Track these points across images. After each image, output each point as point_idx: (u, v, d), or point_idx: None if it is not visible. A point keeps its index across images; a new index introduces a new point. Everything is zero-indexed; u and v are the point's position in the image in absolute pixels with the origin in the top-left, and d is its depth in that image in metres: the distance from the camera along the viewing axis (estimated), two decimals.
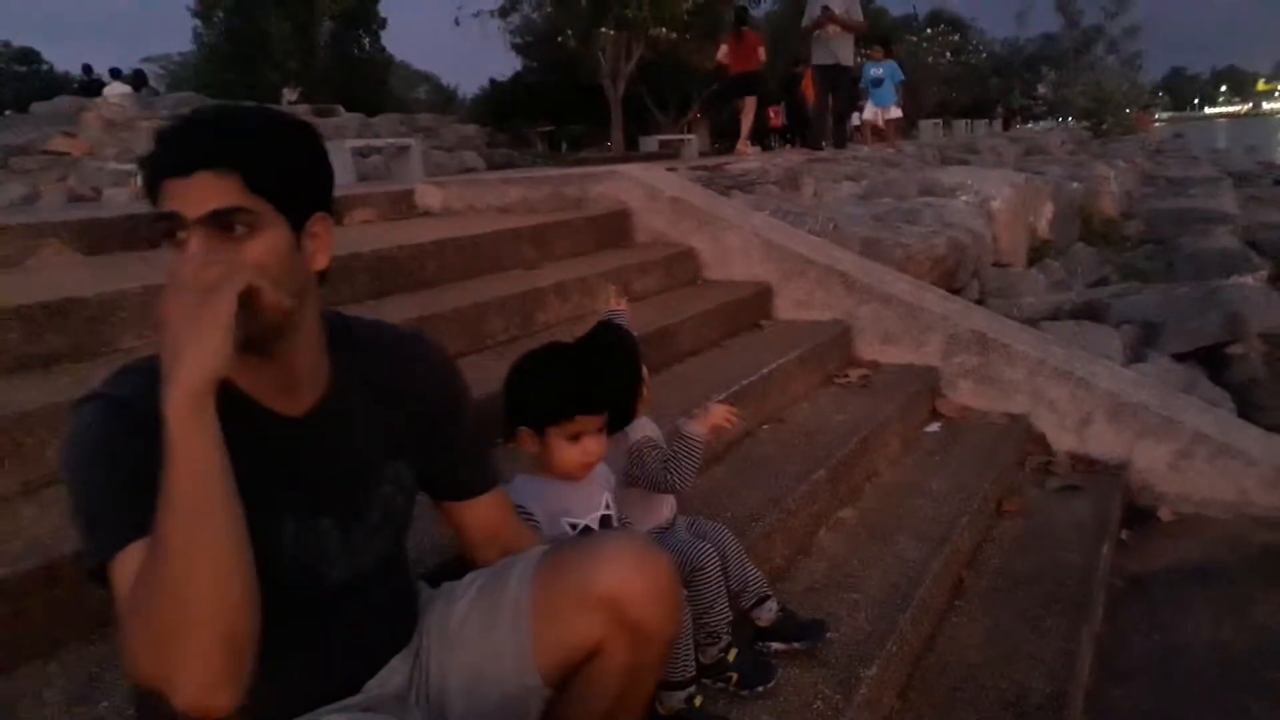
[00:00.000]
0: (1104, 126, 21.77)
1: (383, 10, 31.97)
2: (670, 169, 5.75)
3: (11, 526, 1.74)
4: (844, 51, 10.04)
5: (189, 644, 0.98)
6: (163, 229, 1.10)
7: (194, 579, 0.98)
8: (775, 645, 2.01)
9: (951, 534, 2.72)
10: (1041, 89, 29.05)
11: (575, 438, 1.70)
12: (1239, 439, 3.44)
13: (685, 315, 3.64)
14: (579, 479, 1.75)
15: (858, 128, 13.72)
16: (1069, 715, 2.16)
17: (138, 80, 17.33)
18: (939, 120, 18.44)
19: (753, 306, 4.14)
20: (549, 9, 24.23)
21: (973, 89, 26.14)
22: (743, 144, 10.93)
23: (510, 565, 1.39)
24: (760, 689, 1.87)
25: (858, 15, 10.09)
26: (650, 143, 16.47)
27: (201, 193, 1.07)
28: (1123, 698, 2.39)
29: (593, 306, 3.55)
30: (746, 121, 11.06)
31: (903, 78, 13.66)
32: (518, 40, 27.16)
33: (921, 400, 3.71)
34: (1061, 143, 16.39)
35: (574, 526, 1.74)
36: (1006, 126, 20.87)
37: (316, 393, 1.25)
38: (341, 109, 17.00)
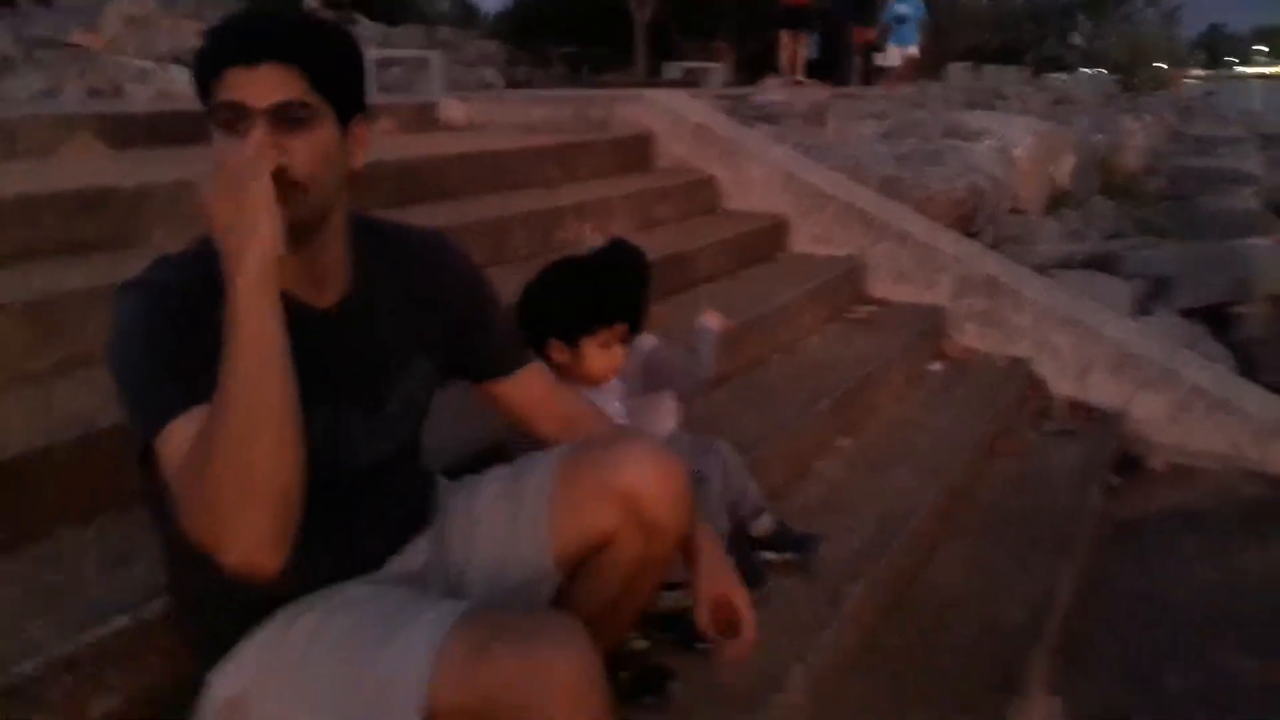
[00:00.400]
0: (1135, 81, 21.28)
1: None
2: (695, 97, 5.71)
3: (49, 401, 1.82)
4: None
5: (244, 506, 1.03)
6: (222, 118, 1.12)
7: (254, 443, 1.03)
8: (769, 555, 2.10)
9: (946, 469, 2.80)
10: (1077, 38, 28.25)
11: (607, 344, 1.79)
12: (1237, 395, 3.50)
13: (703, 243, 3.68)
14: (604, 383, 1.83)
15: (881, 68, 13.49)
16: (1045, 642, 2.26)
17: None
18: (970, 64, 17.98)
19: (770, 238, 4.17)
20: None
21: (1006, 33, 25.47)
22: (794, 75, 11.06)
23: (535, 459, 1.46)
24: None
25: None
26: (674, 69, 16.20)
27: (268, 84, 1.10)
28: (1104, 632, 2.49)
29: (611, 229, 3.59)
30: (800, 55, 11.20)
31: (924, 15, 13.34)
32: None
33: (928, 339, 3.77)
34: (1091, 94, 16.07)
35: None
36: (1037, 74, 20.38)
37: (342, 288, 1.29)
38: (364, 18, 16.72)
